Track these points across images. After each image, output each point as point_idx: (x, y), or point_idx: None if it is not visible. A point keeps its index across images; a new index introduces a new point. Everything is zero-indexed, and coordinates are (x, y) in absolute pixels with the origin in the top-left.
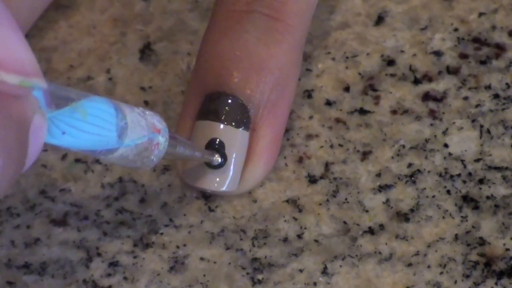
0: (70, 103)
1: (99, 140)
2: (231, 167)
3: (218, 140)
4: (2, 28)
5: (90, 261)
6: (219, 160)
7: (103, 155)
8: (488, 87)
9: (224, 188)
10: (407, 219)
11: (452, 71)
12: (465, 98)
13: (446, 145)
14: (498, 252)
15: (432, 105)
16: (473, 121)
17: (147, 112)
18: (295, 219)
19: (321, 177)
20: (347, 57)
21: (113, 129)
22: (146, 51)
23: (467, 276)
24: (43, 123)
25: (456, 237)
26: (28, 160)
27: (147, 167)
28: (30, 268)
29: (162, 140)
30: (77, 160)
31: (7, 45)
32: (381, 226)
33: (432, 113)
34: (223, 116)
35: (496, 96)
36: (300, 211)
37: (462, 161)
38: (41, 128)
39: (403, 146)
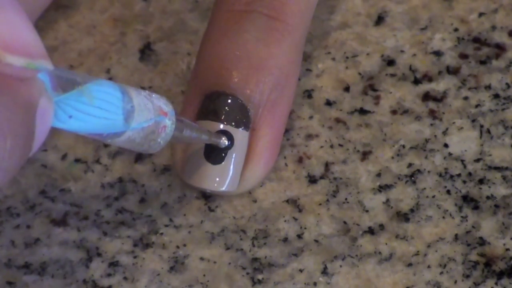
0: (76, 87)
1: (105, 123)
2: (231, 167)
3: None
4: (7, 11)
5: (90, 261)
6: (226, 142)
7: (109, 139)
8: (488, 87)
9: (224, 188)
10: (407, 219)
11: (452, 71)
12: (465, 98)
13: (446, 145)
14: (498, 252)
15: (432, 105)
16: (473, 121)
17: (153, 95)
18: (295, 219)
19: (321, 177)
20: (347, 57)
21: (120, 112)
22: (146, 51)
23: (467, 276)
24: (50, 106)
25: (456, 237)
26: (35, 143)
27: (154, 150)
28: (30, 268)
29: (169, 123)
30: (77, 160)
31: (13, 28)
32: (381, 226)
33: (432, 113)
34: (223, 116)
35: (496, 96)
36: (300, 211)
37: (462, 161)
38: (48, 111)
39: (403, 146)
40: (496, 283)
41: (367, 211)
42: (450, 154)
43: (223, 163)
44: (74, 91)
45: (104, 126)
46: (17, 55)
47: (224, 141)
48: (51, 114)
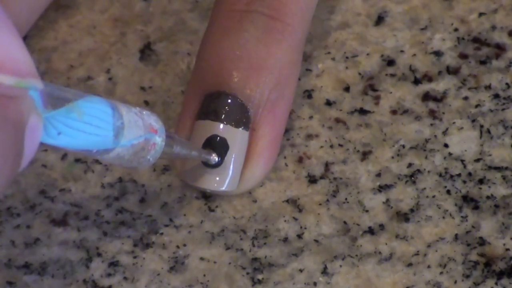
0: (66, 103)
1: (95, 140)
2: (231, 167)
3: (218, 137)
4: None
5: (90, 261)
6: (216, 159)
7: (99, 155)
8: (488, 87)
9: (224, 188)
10: (407, 219)
11: (452, 71)
12: (465, 98)
13: (446, 145)
14: (498, 252)
15: (432, 105)
16: (473, 121)
17: (144, 112)
18: (295, 219)
19: (321, 177)
20: (347, 57)
21: (110, 128)
22: (146, 51)
23: (467, 276)
24: (39, 123)
25: (456, 237)
26: (23, 160)
27: (144, 167)
28: (30, 268)
29: (159, 140)
30: (77, 160)
31: (3, 46)
32: (381, 226)
33: (432, 113)
34: (223, 116)
35: (496, 96)
36: (300, 211)
37: (462, 161)
38: (37, 128)
39: (403, 146)
40: (496, 283)
41: (367, 211)
42: (450, 154)
43: (223, 163)
44: (64, 108)
45: (93, 142)
46: (6, 74)
47: (214, 158)
48: (40, 131)
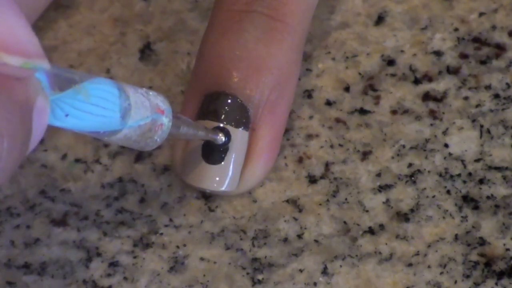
0: (73, 85)
1: (102, 121)
2: (231, 167)
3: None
4: (4, 10)
5: (90, 261)
6: (223, 139)
7: (106, 136)
8: (488, 87)
9: (223, 188)
10: (407, 219)
11: (452, 71)
12: (465, 98)
13: (446, 145)
14: (498, 252)
15: (432, 105)
16: (473, 121)
17: (150, 93)
18: (295, 219)
19: (321, 177)
20: (347, 57)
21: (117, 110)
22: (146, 51)
23: (467, 276)
24: (46, 105)
25: (456, 237)
26: (31, 142)
27: (150, 148)
28: (30, 268)
29: (165, 120)
30: (77, 160)
31: (9, 27)
32: (381, 226)
33: (432, 113)
34: (223, 116)
35: (496, 96)
36: (300, 211)
37: (462, 161)
38: (44, 110)
39: (403, 146)
40: (496, 283)
41: (367, 211)
42: (450, 154)
43: (222, 163)
44: (71, 90)
45: (101, 123)
46: (14, 55)
47: (221, 138)
48: (48, 113)
